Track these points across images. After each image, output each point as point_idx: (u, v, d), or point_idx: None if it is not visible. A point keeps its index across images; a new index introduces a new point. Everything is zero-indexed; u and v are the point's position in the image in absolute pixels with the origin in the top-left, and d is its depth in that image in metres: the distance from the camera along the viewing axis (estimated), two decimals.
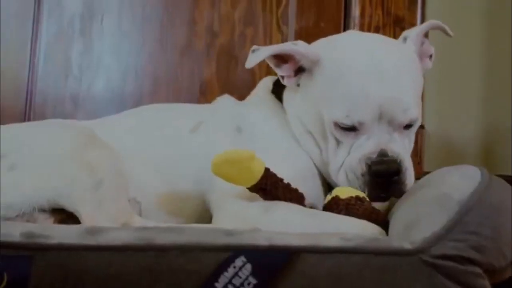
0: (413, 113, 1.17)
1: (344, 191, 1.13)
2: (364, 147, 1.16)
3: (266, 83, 1.38)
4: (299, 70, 1.24)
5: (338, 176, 1.19)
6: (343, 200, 1.09)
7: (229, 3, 1.81)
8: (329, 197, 1.13)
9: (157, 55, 1.80)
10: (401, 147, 1.18)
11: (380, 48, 1.22)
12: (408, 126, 1.19)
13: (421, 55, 1.26)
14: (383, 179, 1.15)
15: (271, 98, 1.33)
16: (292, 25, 1.78)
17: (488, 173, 1.01)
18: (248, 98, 1.39)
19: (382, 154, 1.15)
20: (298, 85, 1.26)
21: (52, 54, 1.79)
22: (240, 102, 1.38)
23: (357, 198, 1.10)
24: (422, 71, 1.26)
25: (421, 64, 1.25)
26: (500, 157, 1.76)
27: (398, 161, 1.15)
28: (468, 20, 1.81)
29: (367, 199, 1.12)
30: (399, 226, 1.01)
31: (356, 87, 1.15)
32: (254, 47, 1.25)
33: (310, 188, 1.20)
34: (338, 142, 1.19)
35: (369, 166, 1.15)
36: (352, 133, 1.17)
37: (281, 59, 1.24)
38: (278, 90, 1.32)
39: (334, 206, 1.10)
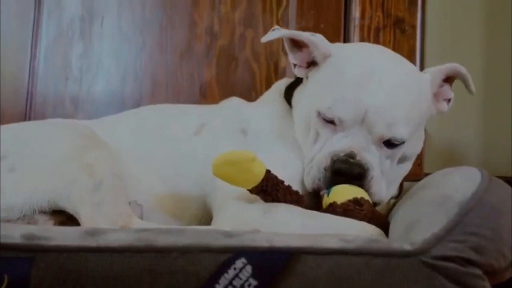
0: (398, 131, 1.14)
1: (340, 193, 1.11)
2: (337, 144, 1.15)
3: (279, 86, 1.38)
4: (312, 63, 1.24)
5: (305, 173, 1.18)
6: (340, 206, 1.08)
7: (229, 4, 1.81)
8: (326, 198, 1.13)
9: (157, 57, 1.81)
10: (375, 161, 1.15)
11: (390, 62, 1.21)
12: (390, 145, 1.16)
13: (438, 95, 1.24)
14: (343, 180, 1.12)
15: (281, 101, 1.33)
16: (292, 26, 1.78)
17: (488, 175, 1.01)
18: (259, 99, 1.40)
19: (350, 155, 1.13)
20: (307, 78, 1.27)
21: (52, 56, 1.80)
22: (248, 103, 1.38)
23: (355, 201, 1.09)
24: (434, 110, 1.24)
25: (434, 101, 1.23)
26: (500, 158, 1.76)
27: (364, 167, 1.13)
28: (468, 20, 1.81)
29: (366, 198, 1.11)
30: (399, 227, 1.01)
31: (350, 86, 1.15)
32: (276, 26, 1.27)
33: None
34: (317, 136, 1.19)
35: (333, 162, 1.13)
36: (331, 127, 1.16)
37: (297, 46, 1.25)
38: (289, 94, 1.32)
39: (332, 213, 1.09)
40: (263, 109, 1.33)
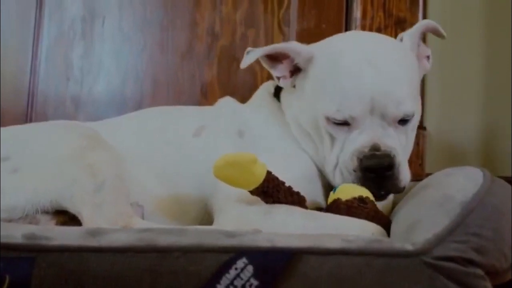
0: (408, 106, 1.15)
1: (346, 190, 1.11)
2: (357, 142, 1.15)
3: (267, 86, 1.38)
4: (295, 71, 1.25)
5: (334, 175, 1.18)
6: (344, 203, 1.09)
7: (230, 4, 1.81)
8: (332, 195, 1.13)
9: (158, 57, 1.81)
10: (396, 143, 1.16)
11: (374, 43, 1.23)
12: (403, 122, 1.17)
13: (419, 56, 1.26)
14: (375, 175, 1.13)
15: (272, 100, 1.33)
16: (294, 26, 1.78)
17: (490, 175, 1.01)
18: (250, 101, 1.39)
19: (375, 148, 1.13)
20: (294, 86, 1.26)
21: (53, 57, 1.80)
22: (241, 104, 1.38)
23: (360, 199, 1.09)
24: (421, 71, 1.26)
25: (419, 64, 1.25)
26: (501, 158, 1.76)
27: (391, 155, 1.13)
28: (469, 20, 1.81)
29: (371, 198, 1.10)
30: (401, 227, 1.01)
31: (347, 80, 1.15)
32: (249, 48, 1.26)
33: (312, 190, 1.20)
34: (332, 138, 1.18)
35: (360, 161, 1.13)
36: (345, 128, 1.16)
37: (276, 59, 1.25)
38: (279, 93, 1.33)
39: (335, 210, 1.09)
40: (257, 110, 1.33)
